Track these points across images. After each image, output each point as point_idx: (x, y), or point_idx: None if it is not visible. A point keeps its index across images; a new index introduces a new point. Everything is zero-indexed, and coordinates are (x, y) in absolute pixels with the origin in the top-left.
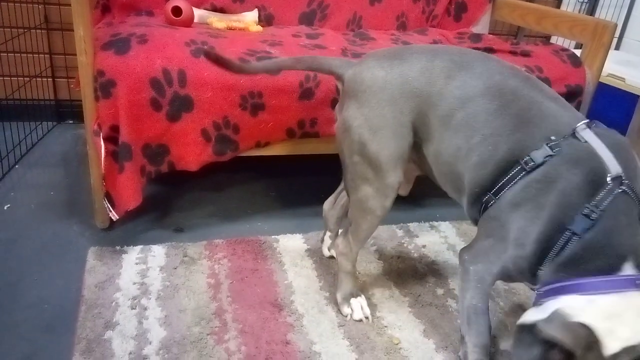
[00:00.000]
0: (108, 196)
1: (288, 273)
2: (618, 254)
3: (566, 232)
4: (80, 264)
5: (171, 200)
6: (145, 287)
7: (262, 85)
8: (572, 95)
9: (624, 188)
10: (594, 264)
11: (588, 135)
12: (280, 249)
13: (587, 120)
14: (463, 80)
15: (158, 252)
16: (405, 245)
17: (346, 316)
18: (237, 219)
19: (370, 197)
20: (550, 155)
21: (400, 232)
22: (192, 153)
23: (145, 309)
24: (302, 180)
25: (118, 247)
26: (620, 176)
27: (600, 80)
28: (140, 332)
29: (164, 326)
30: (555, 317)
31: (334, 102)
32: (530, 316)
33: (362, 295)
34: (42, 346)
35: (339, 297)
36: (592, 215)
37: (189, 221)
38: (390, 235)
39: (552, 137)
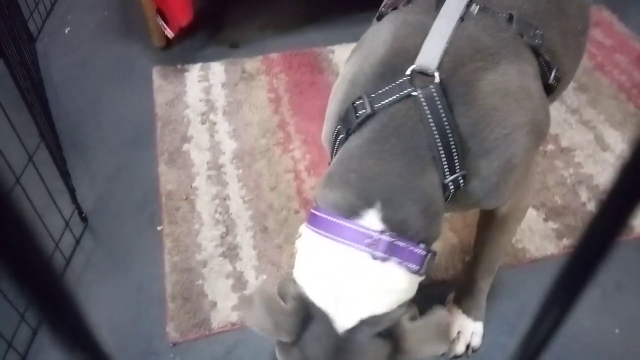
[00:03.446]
0: (160, 13)
1: None
2: (367, 191)
3: (338, 124)
4: (148, 83)
5: (223, 15)
6: (211, 104)
7: None
8: None
9: (418, 92)
10: (338, 190)
11: (452, 2)
12: (337, 60)
13: None
14: None
15: (217, 69)
16: None
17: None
18: (291, 31)
19: None
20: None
21: None
22: None
23: (215, 123)
24: None
25: (179, 66)
26: (428, 74)
27: None
28: (214, 144)
29: (233, 138)
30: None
31: None
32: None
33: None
34: (130, 158)
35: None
36: (359, 111)
37: (243, 35)
38: None
39: None
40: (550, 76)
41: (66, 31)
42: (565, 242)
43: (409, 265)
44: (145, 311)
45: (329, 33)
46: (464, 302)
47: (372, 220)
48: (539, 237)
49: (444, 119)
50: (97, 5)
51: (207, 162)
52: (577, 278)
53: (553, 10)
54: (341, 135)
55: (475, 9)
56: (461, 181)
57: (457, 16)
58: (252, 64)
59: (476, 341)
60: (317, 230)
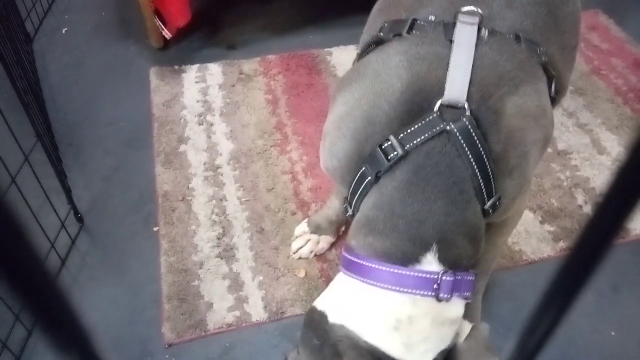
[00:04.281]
0: (158, 14)
1: None
2: (420, 235)
3: (363, 167)
4: (145, 84)
5: (221, 16)
6: (208, 105)
7: None
8: None
9: (452, 127)
10: (387, 238)
11: (464, 30)
12: (334, 62)
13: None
14: None
15: (215, 70)
16: None
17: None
18: (288, 32)
19: None
20: (399, 35)
21: None
22: None
23: (212, 124)
24: None
25: (176, 67)
26: (458, 107)
27: None
28: (211, 145)
29: (230, 140)
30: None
31: None
32: (324, 298)
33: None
34: (126, 159)
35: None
36: (391, 155)
37: (241, 37)
38: None
39: (432, 17)
40: (552, 90)
41: (63, 31)
42: (562, 244)
43: (467, 294)
44: (141, 312)
45: (327, 35)
46: None
47: (431, 263)
48: (535, 239)
49: (481, 149)
50: (95, 5)
51: (204, 163)
52: (573, 280)
53: (551, 25)
54: (369, 178)
55: (485, 33)
56: (497, 203)
57: (473, 44)
58: (249, 65)
59: None
60: (370, 281)
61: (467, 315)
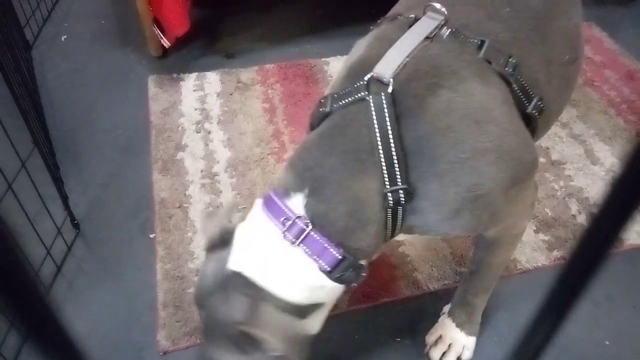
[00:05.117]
0: (157, 23)
1: None
2: (302, 177)
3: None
4: (143, 91)
5: (219, 25)
6: (206, 113)
7: None
8: None
9: (369, 98)
10: (287, 173)
11: (422, 22)
12: (331, 71)
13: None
14: None
15: (213, 79)
16: None
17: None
18: (286, 42)
19: None
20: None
21: None
22: None
23: (209, 132)
24: None
25: (175, 75)
26: (384, 82)
27: None
28: (208, 153)
29: (227, 147)
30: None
31: None
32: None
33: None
34: (123, 165)
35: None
36: (322, 108)
37: (239, 46)
38: None
39: (412, 15)
40: (529, 105)
41: (63, 39)
42: (556, 253)
43: (319, 261)
44: (136, 319)
45: (324, 45)
46: (458, 316)
47: (296, 203)
48: (529, 248)
49: (389, 126)
50: (95, 14)
51: (201, 171)
52: (569, 290)
53: (534, 38)
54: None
55: (446, 32)
56: (402, 195)
57: (423, 35)
58: (247, 74)
59: (467, 355)
60: (262, 200)
61: (463, 326)
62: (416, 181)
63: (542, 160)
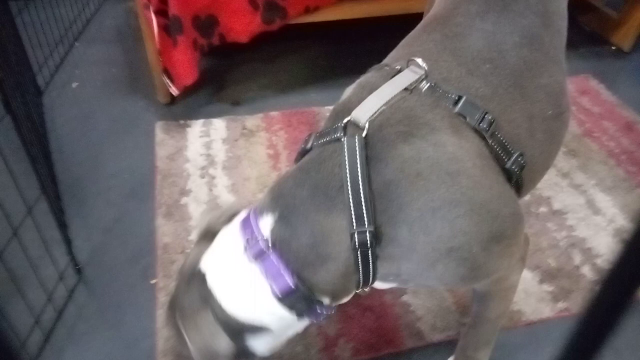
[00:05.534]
0: (166, 72)
1: None
2: (275, 201)
3: None
4: (150, 137)
5: (226, 74)
6: (211, 158)
7: None
8: None
9: (343, 139)
10: (265, 197)
11: (404, 74)
12: None
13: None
14: None
15: (219, 125)
16: None
17: None
18: (291, 91)
19: None
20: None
21: None
22: (241, 23)
23: (214, 177)
24: (353, 46)
25: (182, 121)
26: (359, 126)
27: None
28: (212, 198)
29: (231, 193)
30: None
31: None
32: None
33: None
34: (128, 210)
35: None
36: (305, 144)
37: (245, 94)
38: None
39: (398, 66)
40: (508, 160)
41: (74, 85)
42: (560, 305)
43: (272, 284)
44: None
45: (327, 94)
46: None
47: (265, 225)
48: (534, 299)
49: (359, 168)
50: (105, 62)
51: None
52: (588, 345)
53: (515, 94)
54: None
55: (425, 85)
56: (369, 237)
57: (403, 85)
58: (252, 121)
59: None
60: (244, 214)
61: None
62: (384, 225)
63: (543, 209)
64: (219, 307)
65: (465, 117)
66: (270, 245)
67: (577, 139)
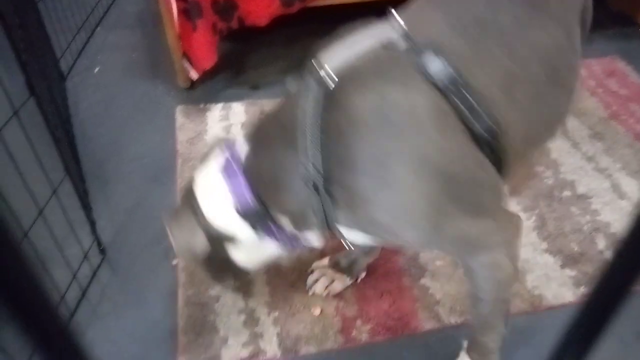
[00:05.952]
0: (186, 56)
1: None
2: (252, 131)
3: None
4: (170, 121)
5: (245, 58)
6: None
7: None
8: None
9: (310, 81)
10: (247, 129)
11: (380, 26)
12: None
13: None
14: None
15: (238, 109)
16: None
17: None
18: None
19: None
20: None
21: None
22: (260, 6)
23: None
24: None
25: (202, 105)
26: (322, 73)
27: None
28: None
29: None
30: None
31: None
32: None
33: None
34: (149, 193)
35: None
36: (288, 87)
37: (264, 78)
38: None
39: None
40: (476, 122)
41: (96, 70)
42: (583, 289)
43: (235, 199)
44: (157, 345)
45: None
46: (473, 354)
47: (242, 151)
48: (556, 284)
49: (311, 110)
50: (127, 47)
51: None
52: (590, 328)
53: (499, 54)
54: None
55: (398, 40)
56: (311, 170)
57: (376, 38)
58: (271, 104)
59: None
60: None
61: None
62: (334, 168)
63: (567, 193)
64: (201, 212)
65: (426, 72)
66: (241, 167)
67: (603, 121)
